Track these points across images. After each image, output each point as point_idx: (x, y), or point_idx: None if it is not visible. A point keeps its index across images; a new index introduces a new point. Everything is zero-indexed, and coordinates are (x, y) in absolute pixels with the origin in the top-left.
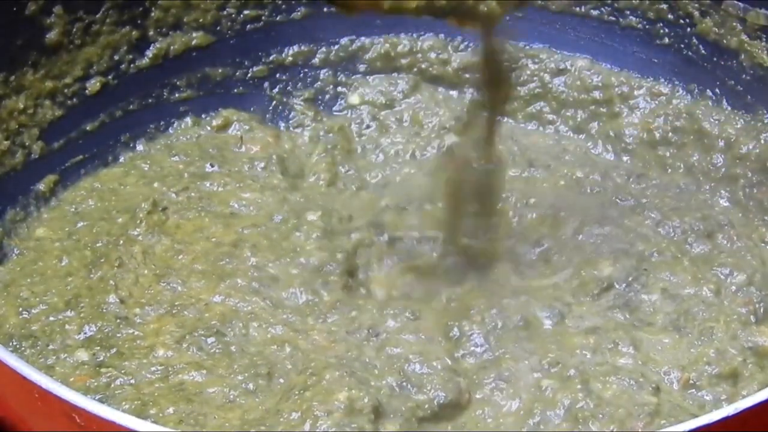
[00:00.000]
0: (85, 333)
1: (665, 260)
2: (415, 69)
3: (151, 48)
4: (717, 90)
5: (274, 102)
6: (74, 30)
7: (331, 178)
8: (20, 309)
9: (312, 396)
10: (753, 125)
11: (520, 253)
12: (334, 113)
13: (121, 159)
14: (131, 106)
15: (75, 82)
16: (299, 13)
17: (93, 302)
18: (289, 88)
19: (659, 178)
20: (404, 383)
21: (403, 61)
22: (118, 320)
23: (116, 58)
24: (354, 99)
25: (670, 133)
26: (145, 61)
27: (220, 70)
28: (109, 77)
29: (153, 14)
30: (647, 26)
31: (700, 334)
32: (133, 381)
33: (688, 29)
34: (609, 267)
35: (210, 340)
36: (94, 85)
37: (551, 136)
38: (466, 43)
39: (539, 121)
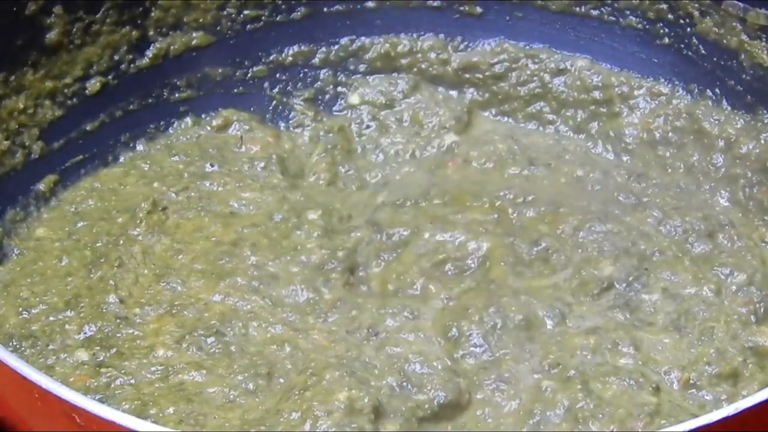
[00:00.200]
0: (85, 333)
1: (666, 260)
2: (415, 69)
3: (151, 48)
4: (717, 90)
5: (274, 102)
6: (74, 30)
7: (331, 177)
8: (20, 309)
9: (312, 396)
10: (753, 125)
11: (519, 251)
12: (334, 113)
13: (121, 159)
14: (131, 106)
15: (75, 82)
16: (299, 13)
17: (93, 302)
18: (289, 88)
19: (659, 178)
20: (404, 383)
21: (403, 61)
22: (118, 320)
23: (116, 58)
24: (354, 99)
25: (670, 133)
26: (145, 61)
27: (220, 70)
28: (109, 77)
29: (153, 14)
30: (647, 26)
31: (700, 334)
32: (133, 381)
33: (688, 29)
34: (610, 266)
35: (210, 339)
36: (94, 85)
37: (551, 136)
38: (466, 43)
39: (539, 121)
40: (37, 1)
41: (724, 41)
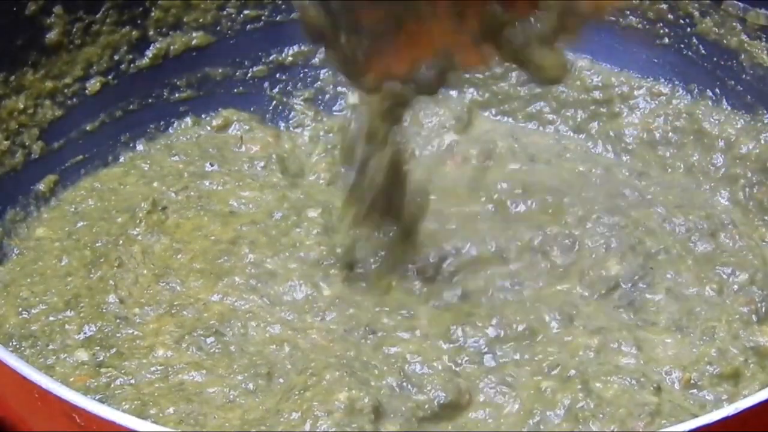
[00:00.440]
0: (85, 333)
1: (670, 259)
2: None
3: (151, 48)
4: (717, 90)
5: (274, 102)
6: (74, 30)
7: (331, 177)
8: (20, 309)
9: (312, 396)
10: (753, 125)
11: (518, 250)
12: (334, 113)
13: (121, 159)
14: (131, 106)
15: (75, 82)
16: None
17: (93, 302)
18: (289, 88)
19: (659, 178)
20: (404, 383)
21: None
22: (118, 320)
23: (116, 58)
24: (354, 99)
25: (670, 133)
26: (145, 61)
27: (220, 70)
28: (109, 77)
29: (153, 14)
30: (647, 26)
31: (702, 333)
32: (133, 381)
33: (688, 29)
34: (617, 265)
35: (209, 339)
36: (94, 85)
37: (551, 136)
38: None
39: (539, 121)
40: (37, 1)
41: (724, 41)
